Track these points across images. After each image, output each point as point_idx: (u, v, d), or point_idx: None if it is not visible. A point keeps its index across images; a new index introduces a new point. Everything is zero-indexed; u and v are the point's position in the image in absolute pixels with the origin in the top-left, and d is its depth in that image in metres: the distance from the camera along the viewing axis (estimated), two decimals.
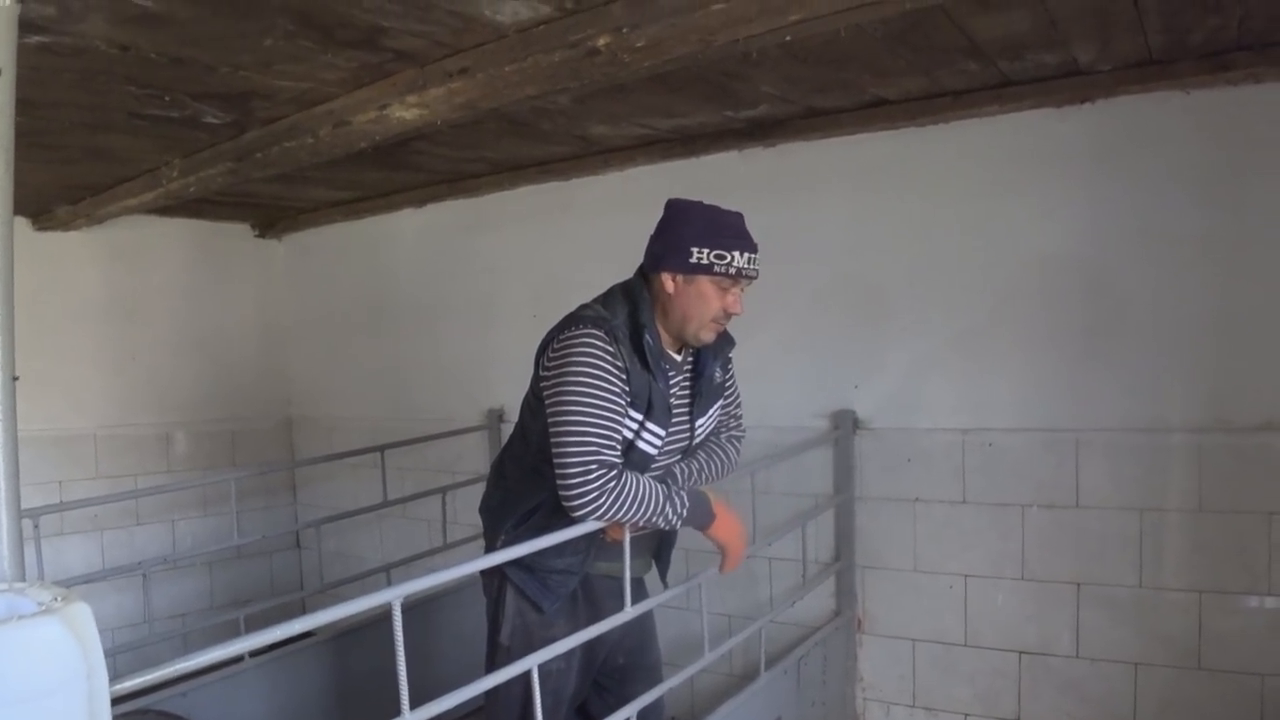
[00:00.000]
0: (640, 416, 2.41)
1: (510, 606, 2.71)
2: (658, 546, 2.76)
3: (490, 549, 2.61)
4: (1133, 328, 3.31)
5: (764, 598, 4.14)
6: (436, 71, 2.69)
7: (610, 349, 2.35)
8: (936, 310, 3.69)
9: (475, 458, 5.06)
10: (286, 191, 4.98)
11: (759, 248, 2.48)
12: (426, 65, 2.70)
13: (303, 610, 5.73)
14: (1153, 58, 3.07)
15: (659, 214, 2.55)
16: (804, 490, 3.97)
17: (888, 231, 3.79)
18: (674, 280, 2.44)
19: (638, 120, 3.78)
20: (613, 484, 2.28)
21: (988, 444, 3.60)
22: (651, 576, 2.84)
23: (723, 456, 2.75)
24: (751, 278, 2.46)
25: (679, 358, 2.57)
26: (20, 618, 1.18)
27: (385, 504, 4.57)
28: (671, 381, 2.52)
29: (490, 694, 2.50)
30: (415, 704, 1.92)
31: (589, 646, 2.59)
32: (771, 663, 3.36)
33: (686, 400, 2.60)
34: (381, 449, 4.60)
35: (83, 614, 1.24)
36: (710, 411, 2.68)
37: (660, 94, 3.36)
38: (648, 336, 2.41)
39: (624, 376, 2.35)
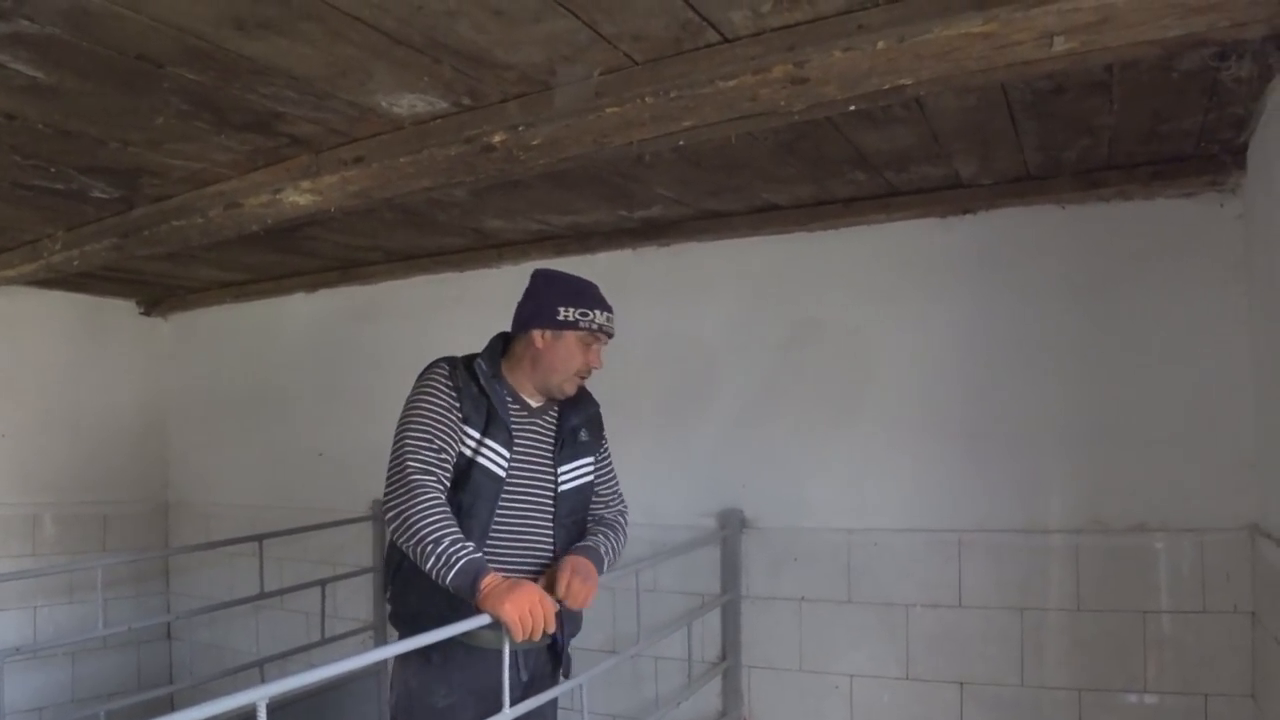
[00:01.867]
0: (477, 434, 2.58)
1: (396, 675, 2.73)
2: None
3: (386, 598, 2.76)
4: (1012, 431, 3.41)
5: (650, 697, 4.08)
6: (331, 159, 2.69)
7: (443, 372, 2.62)
8: (822, 411, 3.76)
9: (357, 549, 4.93)
10: (174, 270, 4.87)
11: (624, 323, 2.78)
12: (321, 152, 2.70)
13: (171, 707, 5.49)
14: (1030, 173, 3.24)
15: None
16: (691, 589, 3.95)
17: (777, 333, 3.87)
18: (543, 337, 2.66)
19: (533, 216, 3.82)
20: (405, 497, 2.43)
21: (873, 544, 3.65)
22: None
23: (619, 529, 2.89)
24: (610, 334, 2.72)
25: (536, 404, 2.75)
26: None
27: (262, 595, 4.41)
28: (524, 423, 2.70)
29: None
30: None
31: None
32: None
33: (550, 446, 2.75)
34: (260, 538, 4.44)
35: None
36: (576, 463, 2.80)
37: (556, 191, 3.41)
38: (479, 363, 2.65)
39: (454, 395, 2.57)
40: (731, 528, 3.89)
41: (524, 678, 2.70)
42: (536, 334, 2.67)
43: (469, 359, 2.70)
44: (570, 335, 2.65)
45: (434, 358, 2.78)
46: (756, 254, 3.90)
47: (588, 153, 2.50)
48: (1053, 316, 3.36)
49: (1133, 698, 3.21)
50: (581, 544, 2.75)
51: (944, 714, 3.50)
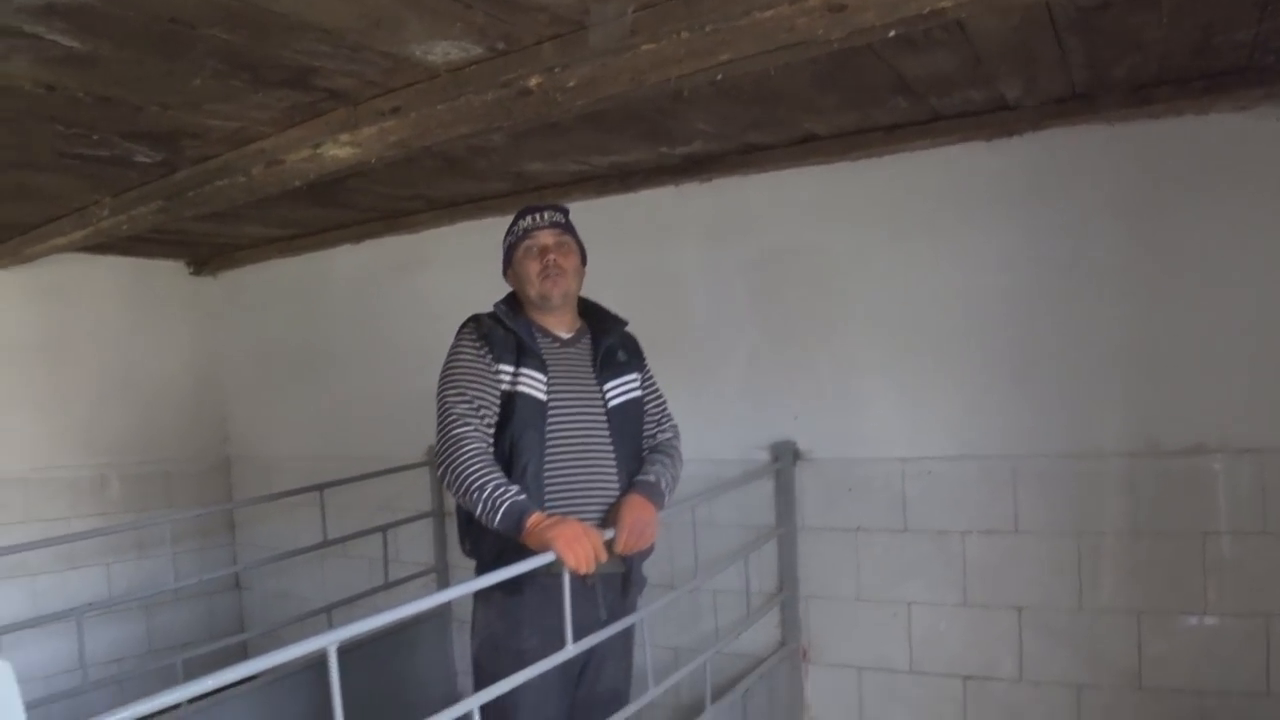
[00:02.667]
0: (512, 368, 2.73)
1: (479, 618, 2.84)
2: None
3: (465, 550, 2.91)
4: (1064, 356, 3.37)
5: (709, 629, 4.13)
6: (369, 111, 2.68)
7: (468, 329, 2.82)
8: (874, 341, 3.74)
9: (415, 494, 5.01)
10: (221, 229, 4.92)
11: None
12: (359, 105, 2.69)
13: (245, 653, 5.66)
14: (1077, 92, 3.15)
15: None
16: (746, 522, 3.97)
17: (825, 265, 3.83)
18: (511, 274, 2.95)
19: (573, 157, 3.80)
20: (450, 450, 2.60)
21: (927, 472, 3.64)
22: None
23: (675, 455, 3.03)
24: (543, 227, 2.87)
25: (567, 335, 2.92)
26: None
27: (325, 543, 4.51)
28: (558, 352, 2.87)
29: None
30: None
31: (564, 663, 2.54)
32: (718, 695, 3.34)
33: (590, 370, 2.89)
34: (320, 487, 4.53)
35: (2, 673, 1.20)
36: (620, 380, 2.93)
37: (595, 132, 3.38)
38: (498, 306, 2.87)
39: (480, 344, 2.74)
40: (785, 460, 3.90)
41: (603, 615, 2.78)
42: (508, 276, 2.97)
43: (490, 310, 2.88)
44: (516, 255, 2.89)
45: (480, 303, 2.89)
46: (800, 185, 3.85)
47: (625, 91, 2.46)
48: (1103, 238, 3.29)
49: (1192, 620, 3.19)
50: (642, 479, 2.84)
51: (1002, 639, 3.51)
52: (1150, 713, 3.25)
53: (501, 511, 2.48)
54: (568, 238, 2.91)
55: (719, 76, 2.43)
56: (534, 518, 2.47)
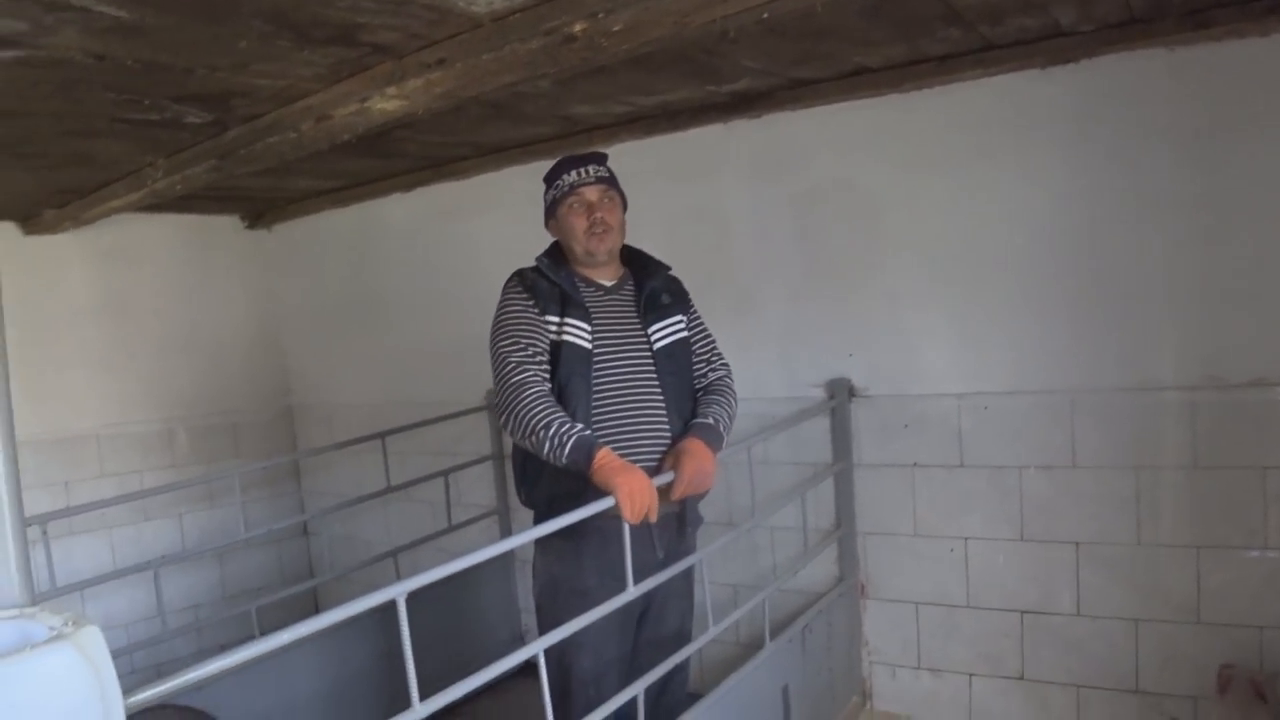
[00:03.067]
0: (557, 318, 2.79)
1: (539, 563, 2.92)
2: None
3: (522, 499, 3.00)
4: (1122, 288, 3.31)
5: (767, 567, 4.17)
6: (414, 63, 2.68)
7: (513, 283, 2.88)
8: (928, 276, 3.69)
9: (475, 438, 5.09)
10: (273, 183, 4.97)
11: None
12: (404, 58, 2.69)
13: (314, 597, 5.83)
14: (1134, 17, 3.06)
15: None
16: (803, 460, 3.99)
17: (877, 198, 3.78)
18: (554, 226, 3.00)
19: (620, 99, 3.77)
20: (511, 395, 2.65)
21: (983, 407, 3.62)
22: None
23: (728, 394, 3.04)
24: (588, 182, 2.89)
25: (609, 283, 2.98)
26: (33, 646, 1.19)
27: (389, 489, 4.60)
28: (601, 299, 2.92)
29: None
30: (432, 685, 1.99)
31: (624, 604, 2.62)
32: (777, 632, 3.39)
33: (635, 315, 2.94)
34: (383, 435, 4.62)
35: (94, 638, 1.25)
36: (664, 323, 2.97)
37: (641, 73, 3.36)
38: (541, 259, 2.93)
39: (526, 296, 2.81)
40: (840, 397, 3.90)
41: (659, 555, 2.85)
42: (551, 227, 3.02)
43: (534, 264, 2.94)
44: (560, 210, 2.92)
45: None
46: (850, 119, 3.79)
47: (669, 35, 2.45)
48: (1162, 166, 3.20)
49: (1253, 554, 3.15)
50: (700, 421, 2.89)
51: (1059, 574, 3.51)
52: (1208, 646, 3.24)
53: (570, 445, 2.53)
54: (612, 191, 2.93)
55: (765, 15, 2.40)
56: (602, 453, 2.53)
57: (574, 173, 2.90)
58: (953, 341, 3.68)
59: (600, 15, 2.32)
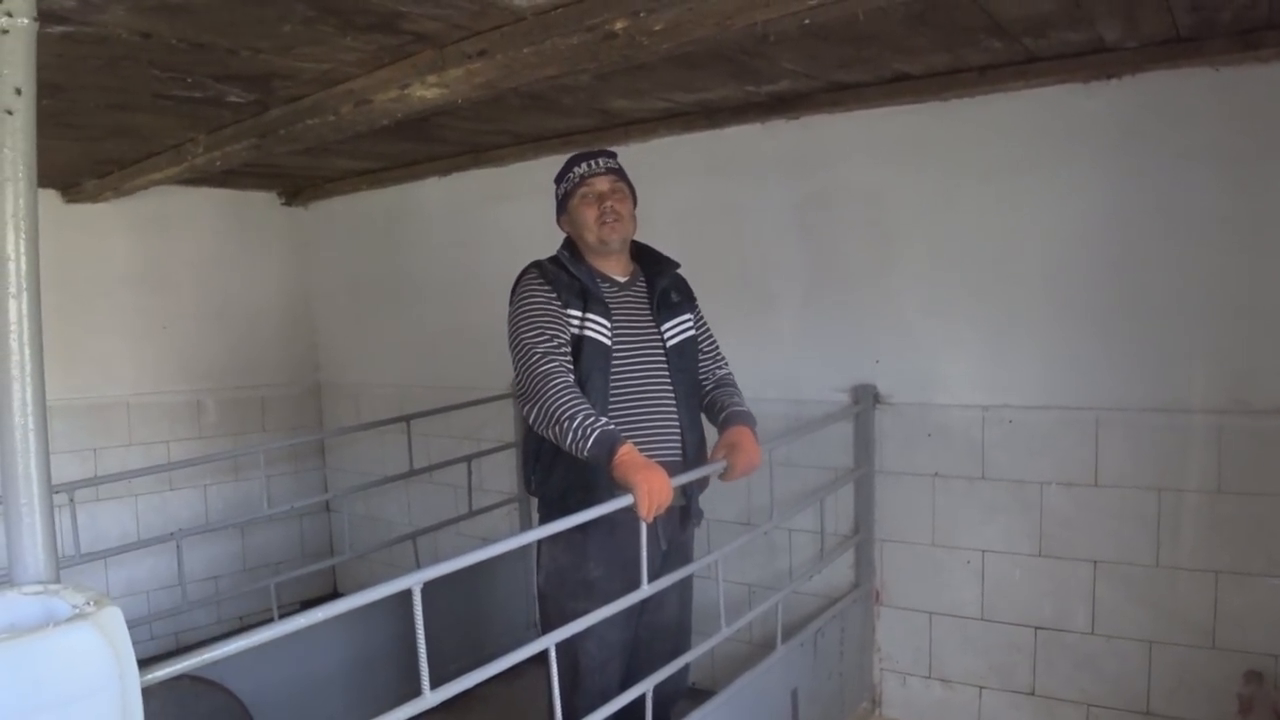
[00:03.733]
0: (579, 313, 2.81)
1: (544, 553, 2.96)
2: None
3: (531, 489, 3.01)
4: (1154, 307, 3.28)
5: (783, 568, 4.18)
6: (455, 53, 2.69)
7: (533, 274, 2.89)
8: (958, 286, 3.68)
9: (499, 425, 5.11)
10: (311, 162, 5.00)
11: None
12: (445, 47, 2.71)
13: (333, 574, 5.88)
14: (1180, 35, 3.02)
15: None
16: (824, 463, 3.99)
17: (911, 205, 3.77)
18: (566, 220, 3.04)
19: (659, 95, 3.78)
20: (538, 385, 2.66)
21: (1007, 420, 3.60)
22: None
23: (737, 386, 3.18)
24: (598, 173, 2.94)
25: (623, 279, 3.00)
26: (55, 624, 1.22)
27: (412, 472, 4.64)
28: (617, 295, 2.95)
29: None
30: (448, 665, 2.03)
31: (627, 589, 2.63)
32: (789, 634, 3.40)
33: (647, 311, 2.99)
34: (408, 418, 4.66)
35: (114, 618, 1.28)
36: (675, 321, 3.02)
37: (681, 71, 3.36)
38: (561, 253, 2.97)
39: (549, 288, 2.82)
40: (865, 403, 3.89)
41: (663, 546, 2.91)
42: (563, 223, 3.07)
43: (551, 256, 2.97)
44: (571, 202, 2.97)
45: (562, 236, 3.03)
46: (889, 124, 3.78)
47: (711, 35, 2.46)
48: (1200, 187, 3.17)
49: (1273, 581, 3.13)
50: (739, 409, 3.01)
51: (1076, 591, 3.49)
52: (1222, 672, 3.22)
53: (593, 439, 2.54)
54: (621, 183, 2.98)
55: (806, 21, 2.40)
56: (624, 449, 2.54)
57: (584, 164, 2.96)
58: (980, 353, 3.66)
59: (642, 14, 2.32)
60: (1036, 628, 3.59)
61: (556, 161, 4.65)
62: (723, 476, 2.87)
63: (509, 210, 5.04)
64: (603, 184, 2.93)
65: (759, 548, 4.17)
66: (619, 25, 2.38)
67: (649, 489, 2.48)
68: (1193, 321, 3.23)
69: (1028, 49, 3.19)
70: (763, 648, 3.52)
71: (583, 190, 2.93)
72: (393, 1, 2.35)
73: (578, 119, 4.21)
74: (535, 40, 2.52)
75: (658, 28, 2.38)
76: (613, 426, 2.61)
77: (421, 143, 4.61)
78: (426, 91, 2.93)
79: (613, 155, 3.02)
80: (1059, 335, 3.48)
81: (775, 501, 3.26)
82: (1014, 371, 3.59)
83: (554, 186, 3.07)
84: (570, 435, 2.57)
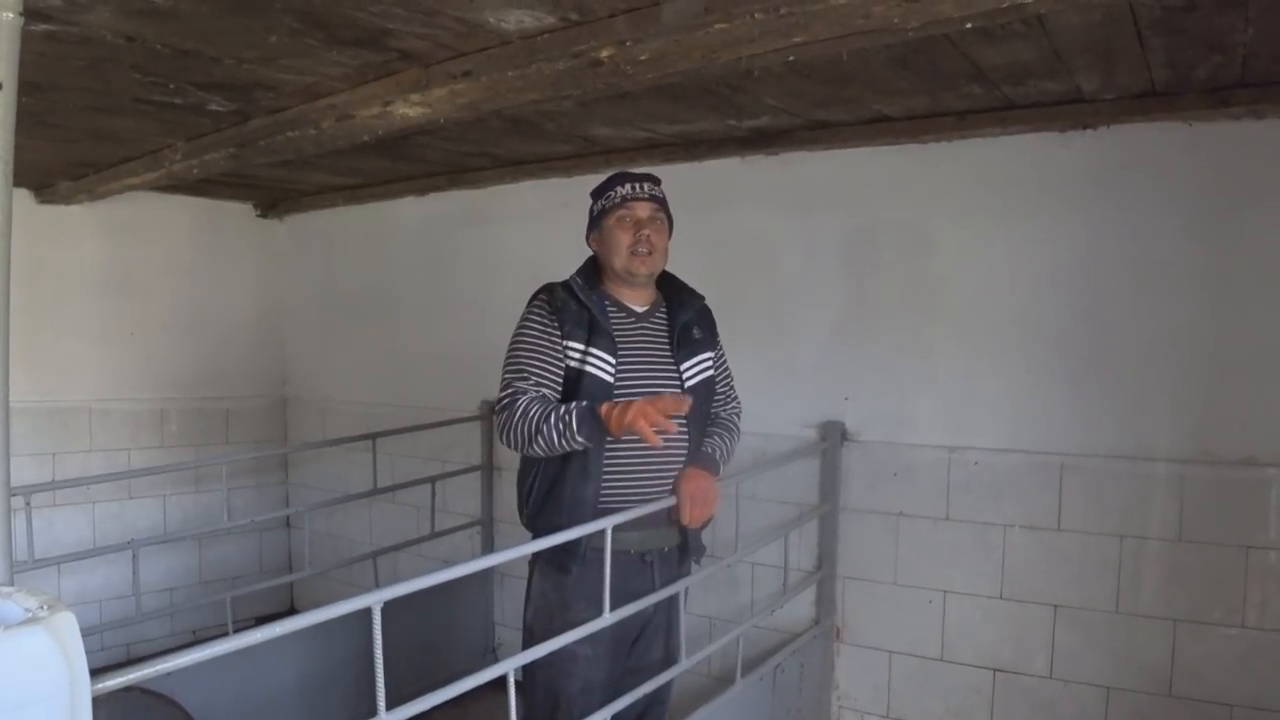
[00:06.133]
0: (582, 346, 2.71)
1: (535, 588, 2.87)
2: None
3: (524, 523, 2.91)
4: (1122, 356, 3.32)
5: (745, 602, 4.17)
6: (440, 73, 2.69)
7: (542, 299, 2.79)
8: (929, 326, 3.71)
9: (466, 447, 5.09)
10: (290, 175, 4.99)
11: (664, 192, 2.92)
12: (430, 66, 2.71)
13: (290, 592, 5.81)
14: (1156, 90, 3.08)
15: None
16: (789, 498, 3.99)
17: (886, 245, 3.81)
18: (596, 239, 2.89)
19: (641, 124, 3.79)
20: (506, 403, 2.63)
21: (973, 462, 3.63)
22: None
23: (733, 430, 3.08)
24: (641, 198, 2.81)
25: (641, 309, 2.89)
26: (6, 627, 1.20)
27: (376, 491, 4.61)
28: (631, 328, 2.83)
29: (526, 675, 2.56)
30: (402, 690, 1.99)
31: (617, 630, 2.62)
32: (749, 669, 3.38)
33: (666, 347, 2.87)
34: (374, 436, 4.63)
35: (68, 624, 1.25)
36: (696, 359, 2.91)
37: (664, 102, 3.38)
38: (575, 279, 2.81)
39: (552, 318, 2.72)
40: (832, 440, 3.90)
41: (657, 585, 2.83)
42: (592, 240, 2.91)
43: (567, 280, 2.83)
44: (607, 222, 2.82)
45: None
46: (866, 164, 3.82)
47: (695, 68, 2.47)
48: (1171, 239, 3.22)
49: (1230, 631, 3.16)
50: (701, 450, 2.88)
51: (1035, 635, 3.51)
52: None
53: (576, 425, 2.52)
54: (662, 214, 2.86)
55: (791, 58, 2.42)
56: (604, 408, 2.51)
57: (628, 186, 2.81)
58: (948, 394, 3.69)
59: (628, 43, 2.34)
60: (995, 670, 3.59)
61: (534, 186, 4.72)
62: (681, 518, 2.76)
63: (485, 233, 5.04)
64: (644, 210, 2.80)
65: (721, 580, 4.16)
66: (604, 53, 2.39)
67: (645, 421, 2.42)
68: (1159, 371, 3.27)
69: (1007, 96, 3.24)
70: (722, 681, 3.50)
71: (621, 212, 2.79)
72: (380, 18, 2.35)
73: (558, 145, 4.22)
74: (520, 64, 2.53)
75: (643, 58, 2.39)
76: (584, 403, 2.57)
77: (401, 161, 4.61)
78: (409, 110, 2.92)
79: (658, 182, 2.90)
80: (1027, 379, 3.51)
81: (739, 535, 3.26)
82: (981, 414, 3.62)
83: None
84: (554, 434, 2.53)
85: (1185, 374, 3.23)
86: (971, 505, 3.63)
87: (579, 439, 2.53)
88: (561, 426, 2.52)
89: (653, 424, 2.43)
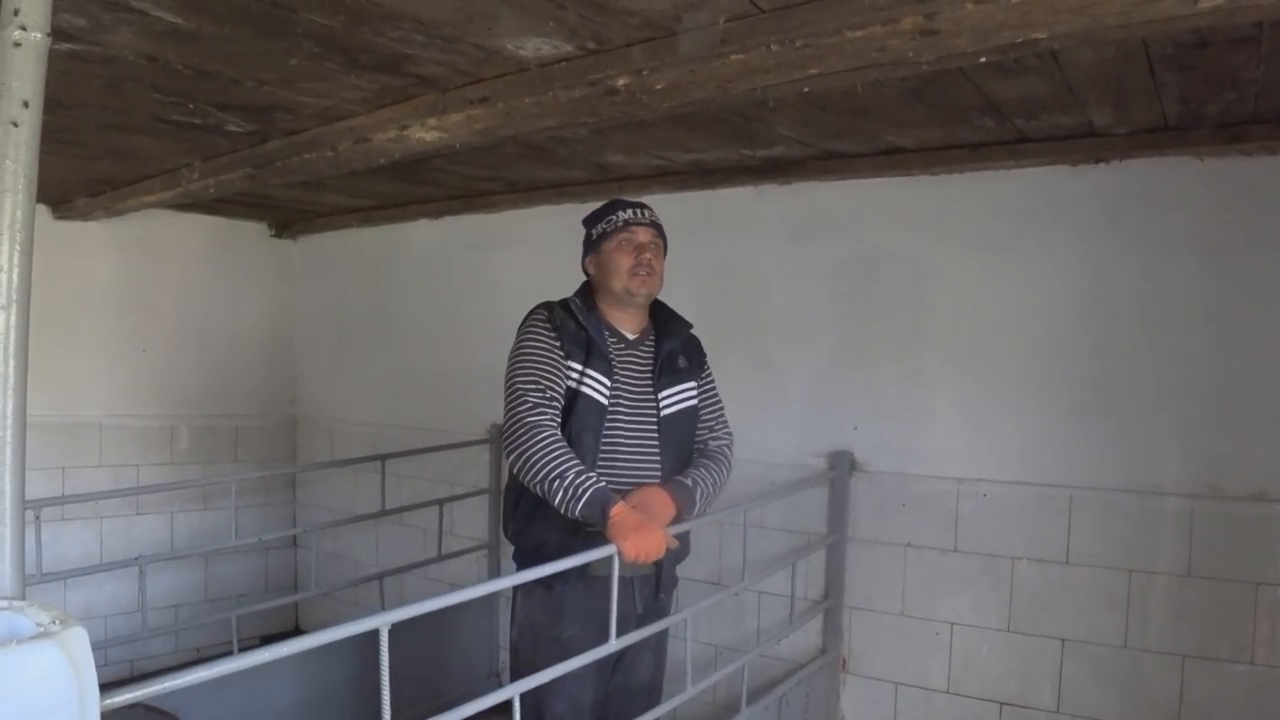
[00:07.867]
0: (579, 367, 2.76)
1: (519, 608, 2.92)
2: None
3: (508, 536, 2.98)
4: (1133, 389, 3.32)
5: (751, 630, 4.15)
6: (457, 98, 2.72)
7: (542, 316, 2.83)
8: (939, 357, 3.72)
9: (474, 470, 5.09)
10: (305, 196, 5.02)
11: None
12: (448, 91, 2.73)
13: (296, 612, 5.80)
14: (1168, 125, 3.10)
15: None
16: (797, 527, 3.99)
17: (897, 276, 3.81)
18: (594, 263, 2.93)
19: (655, 153, 3.82)
20: (524, 436, 2.61)
21: (982, 494, 3.62)
22: None
23: (721, 462, 3.02)
24: (642, 223, 2.88)
25: (632, 336, 2.93)
26: (19, 641, 1.20)
27: (384, 512, 4.60)
28: (623, 353, 2.88)
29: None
30: (405, 713, 1.98)
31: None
32: (754, 698, 3.37)
33: (649, 372, 2.91)
34: (383, 457, 4.63)
35: (79, 639, 1.26)
36: (677, 389, 2.95)
37: (678, 130, 3.40)
38: (574, 300, 2.87)
39: (554, 334, 2.77)
40: (841, 469, 3.90)
41: (638, 609, 2.86)
42: (589, 264, 2.95)
43: (564, 301, 2.89)
44: (607, 245, 2.87)
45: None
46: (878, 195, 3.84)
47: (711, 98, 2.49)
48: (1182, 273, 3.23)
49: (1239, 667, 3.14)
50: (678, 478, 2.86)
51: (1043, 668, 3.48)
52: None
53: (584, 501, 2.53)
54: (660, 240, 2.93)
55: (805, 89, 2.44)
56: (617, 509, 2.53)
57: (629, 211, 2.89)
58: (958, 425, 3.68)
59: (644, 72, 2.36)
60: (1002, 703, 3.57)
61: (548, 211, 4.74)
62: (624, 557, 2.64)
63: (498, 257, 5.06)
64: (644, 235, 2.87)
65: (728, 609, 4.14)
66: (621, 82, 2.41)
67: (635, 553, 2.48)
68: (1169, 405, 3.26)
69: (1019, 129, 3.25)
70: (727, 710, 3.49)
71: (623, 236, 2.85)
72: (399, 44, 2.37)
73: (572, 171, 4.24)
74: (537, 91, 2.55)
75: (659, 87, 2.41)
76: (604, 484, 2.58)
77: (415, 184, 4.64)
78: (426, 134, 2.95)
79: (651, 210, 2.98)
80: (1037, 412, 3.50)
81: (747, 563, 3.25)
82: (991, 445, 3.61)
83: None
84: (561, 494, 2.54)
85: (1195, 408, 3.22)
86: (980, 537, 3.62)
87: (575, 513, 2.55)
88: (571, 491, 2.54)
89: (643, 557, 2.51)
